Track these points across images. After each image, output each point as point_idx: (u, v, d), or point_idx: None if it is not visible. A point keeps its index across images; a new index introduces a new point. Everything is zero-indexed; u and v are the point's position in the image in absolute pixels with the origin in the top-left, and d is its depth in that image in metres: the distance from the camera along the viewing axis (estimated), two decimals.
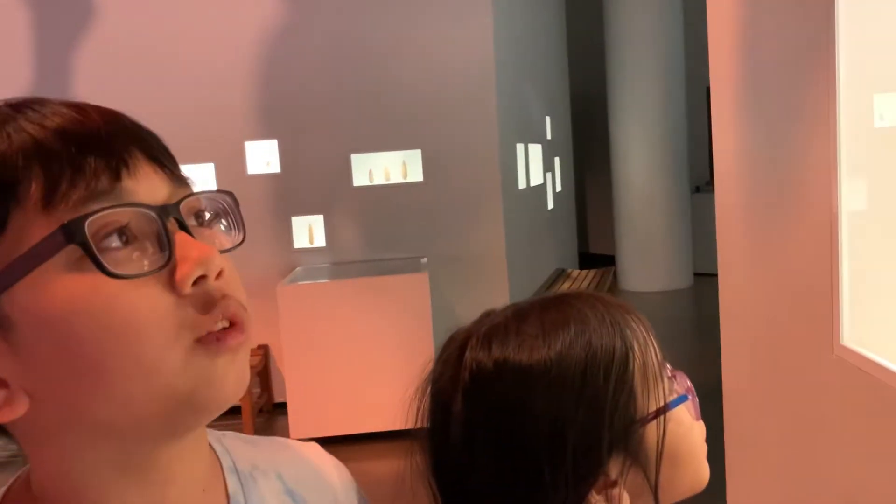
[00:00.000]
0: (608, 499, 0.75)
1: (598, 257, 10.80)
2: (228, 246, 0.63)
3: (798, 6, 2.09)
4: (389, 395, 4.84)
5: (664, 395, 0.77)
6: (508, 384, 0.75)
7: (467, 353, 0.77)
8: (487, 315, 0.82)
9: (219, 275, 0.57)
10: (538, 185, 7.89)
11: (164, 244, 0.56)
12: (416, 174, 5.60)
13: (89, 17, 5.33)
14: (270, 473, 0.73)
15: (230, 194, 0.65)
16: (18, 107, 0.57)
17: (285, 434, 4.80)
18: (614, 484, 0.75)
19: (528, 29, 7.55)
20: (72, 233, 0.52)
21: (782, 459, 2.38)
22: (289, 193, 5.53)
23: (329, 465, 0.80)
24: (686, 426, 0.79)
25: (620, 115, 8.82)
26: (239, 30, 5.42)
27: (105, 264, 0.53)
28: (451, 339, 0.82)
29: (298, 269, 5.47)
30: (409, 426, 0.81)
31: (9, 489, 0.62)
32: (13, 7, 5.29)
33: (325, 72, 5.49)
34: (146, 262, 0.55)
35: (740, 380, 2.70)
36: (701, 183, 9.73)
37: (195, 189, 0.63)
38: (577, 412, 0.73)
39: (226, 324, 0.58)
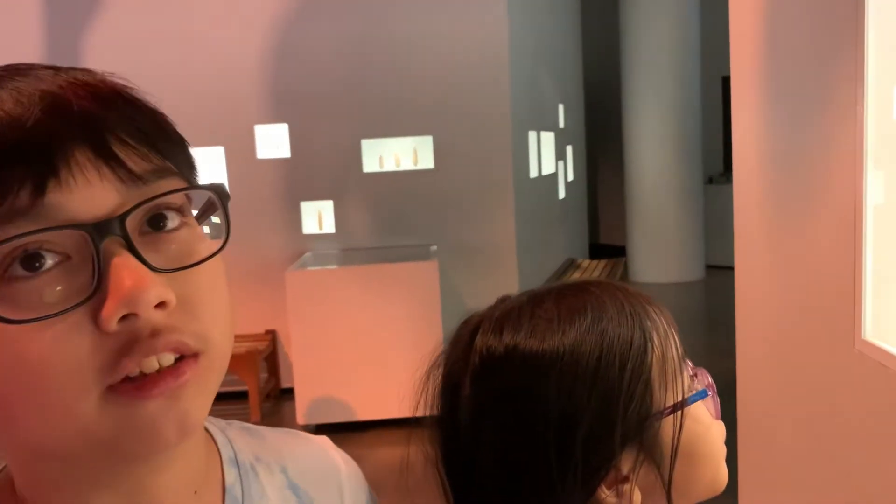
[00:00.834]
0: (619, 494, 0.73)
1: (608, 248, 10.75)
2: (203, 255, 0.53)
3: None
4: (396, 382, 4.80)
5: (683, 389, 0.74)
6: (518, 370, 0.73)
7: (478, 337, 0.76)
8: (503, 300, 0.80)
9: (162, 305, 0.48)
10: (550, 174, 7.83)
11: (95, 270, 0.47)
12: (427, 161, 5.57)
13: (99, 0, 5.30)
14: (274, 466, 0.70)
15: (215, 188, 0.55)
16: None
17: (291, 420, 4.80)
18: (626, 479, 0.73)
19: (542, 15, 7.49)
20: None
21: (798, 457, 2.34)
22: (298, 178, 5.50)
23: (337, 461, 0.77)
24: (704, 425, 0.76)
25: (634, 104, 8.74)
26: (251, 13, 5.38)
27: None
28: (465, 323, 0.79)
29: (307, 254, 5.45)
30: (418, 412, 0.78)
31: None
32: None
33: (336, 57, 5.45)
34: (72, 293, 0.47)
35: (756, 374, 2.66)
36: (714, 174, 9.65)
37: (187, 177, 0.55)
38: (588, 401, 0.71)
39: (156, 364, 0.49)
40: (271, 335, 5.47)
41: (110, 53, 5.18)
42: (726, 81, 2.92)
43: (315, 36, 5.43)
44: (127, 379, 0.49)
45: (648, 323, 0.75)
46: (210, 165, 5.23)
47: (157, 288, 0.48)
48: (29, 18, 5.29)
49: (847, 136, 1.91)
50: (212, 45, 5.36)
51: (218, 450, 0.67)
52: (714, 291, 8.28)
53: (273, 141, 5.49)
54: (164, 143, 0.53)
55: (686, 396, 0.74)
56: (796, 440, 2.34)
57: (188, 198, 0.55)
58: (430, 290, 4.74)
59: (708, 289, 8.60)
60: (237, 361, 4.77)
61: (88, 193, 0.48)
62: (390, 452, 4.35)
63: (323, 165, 5.49)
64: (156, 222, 0.52)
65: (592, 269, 8.54)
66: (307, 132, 5.46)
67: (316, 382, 4.72)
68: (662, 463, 0.73)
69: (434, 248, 5.36)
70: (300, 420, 4.70)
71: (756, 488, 2.66)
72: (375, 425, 4.62)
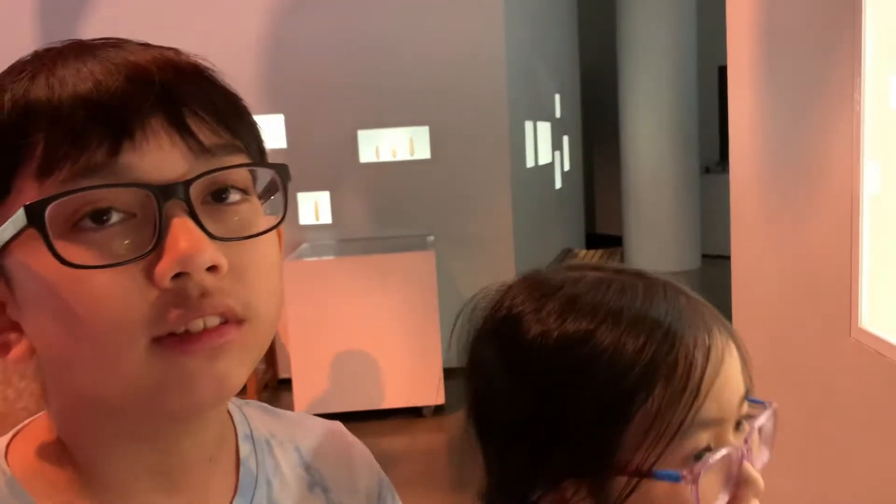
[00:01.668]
0: None
1: (605, 237, 10.75)
2: (260, 229, 0.57)
3: None
4: (394, 372, 4.84)
5: (655, 459, 0.63)
6: (512, 341, 0.68)
7: (506, 294, 0.72)
8: (566, 268, 0.75)
9: (214, 269, 0.52)
10: (546, 164, 7.82)
11: (156, 229, 0.51)
12: (423, 151, 5.55)
13: None
14: (288, 445, 0.72)
15: (279, 168, 0.61)
16: (67, 53, 0.54)
17: (289, 410, 4.80)
18: None
19: (538, 5, 7.46)
20: (32, 215, 0.50)
21: (795, 447, 2.35)
22: (295, 169, 5.30)
23: (350, 445, 0.79)
24: None
25: (630, 93, 8.73)
26: (246, 3, 5.35)
27: (59, 252, 0.50)
28: (524, 277, 0.75)
29: (304, 245, 5.44)
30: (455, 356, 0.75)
31: (31, 423, 0.62)
32: None
33: (332, 46, 5.43)
34: (133, 247, 0.51)
35: (752, 363, 2.66)
36: (710, 163, 9.65)
37: (252, 155, 0.58)
38: (546, 406, 0.65)
39: (201, 325, 0.52)
40: None
41: None
42: (723, 71, 2.92)
43: (311, 26, 5.41)
44: (173, 335, 0.52)
45: (667, 368, 0.64)
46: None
47: (210, 252, 0.51)
48: (21, 6, 5.26)
49: (844, 125, 1.91)
50: (206, 36, 5.32)
51: (234, 425, 0.69)
52: (710, 281, 8.29)
53: (269, 131, 5.48)
54: (235, 121, 0.57)
55: (653, 469, 0.63)
56: (793, 428, 2.35)
57: (252, 176, 0.59)
58: (427, 280, 4.74)
59: (704, 278, 8.61)
60: None
61: (159, 158, 0.52)
62: (388, 442, 4.36)
63: (319, 156, 5.47)
64: (218, 195, 0.55)
65: (589, 259, 8.55)
66: (303, 123, 5.44)
67: (313, 373, 4.73)
68: None
69: (431, 238, 5.36)
70: (297, 410, 4.70)
71: None
72: (373, 415, 4.63)
